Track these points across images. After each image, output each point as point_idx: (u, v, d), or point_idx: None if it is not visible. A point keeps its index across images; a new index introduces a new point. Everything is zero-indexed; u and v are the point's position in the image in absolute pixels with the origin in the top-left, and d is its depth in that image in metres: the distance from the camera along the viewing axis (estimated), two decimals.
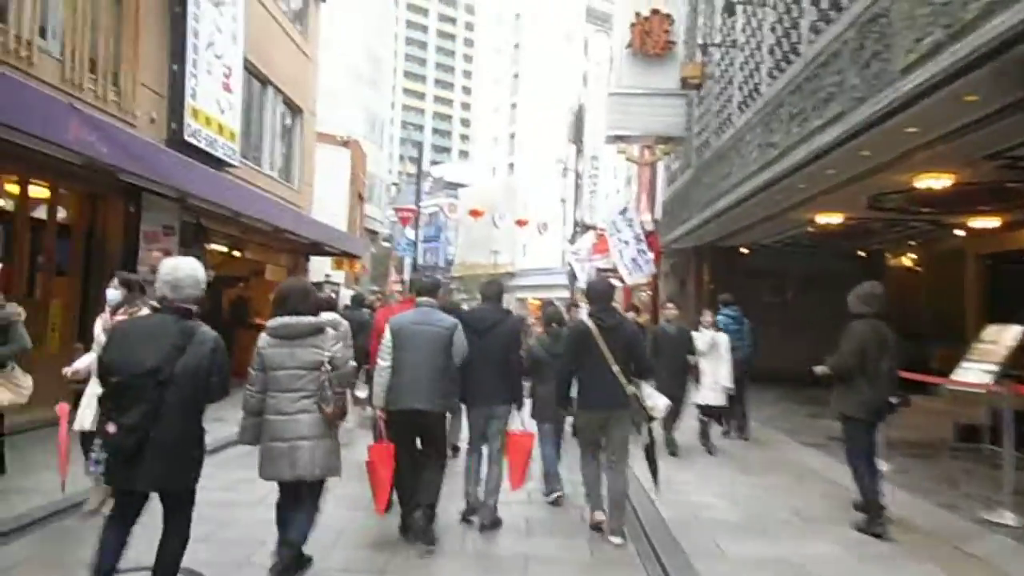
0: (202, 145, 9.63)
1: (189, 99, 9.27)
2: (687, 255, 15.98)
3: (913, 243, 13.82)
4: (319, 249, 13.99)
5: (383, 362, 4.34)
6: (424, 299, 4.59)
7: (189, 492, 3.12)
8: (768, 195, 8.78)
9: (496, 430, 4.83)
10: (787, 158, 7.39)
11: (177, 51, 9.17)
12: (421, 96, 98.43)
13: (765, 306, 15.69)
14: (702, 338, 7.97)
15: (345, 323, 6.07)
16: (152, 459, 2.87)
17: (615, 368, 4.48)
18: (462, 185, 61.47)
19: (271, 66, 12.91)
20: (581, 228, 23.99)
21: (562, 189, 24.69)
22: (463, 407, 5.01)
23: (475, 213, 21.83)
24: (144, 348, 2.92)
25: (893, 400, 5.00)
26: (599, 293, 4.88)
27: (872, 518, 4.83)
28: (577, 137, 22.56)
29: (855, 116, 5.80)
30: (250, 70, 12.16)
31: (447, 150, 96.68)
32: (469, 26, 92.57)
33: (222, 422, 5.37)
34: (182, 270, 3.09)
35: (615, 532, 4.57)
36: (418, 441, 4.51)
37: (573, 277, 23.14)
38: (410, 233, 22.72)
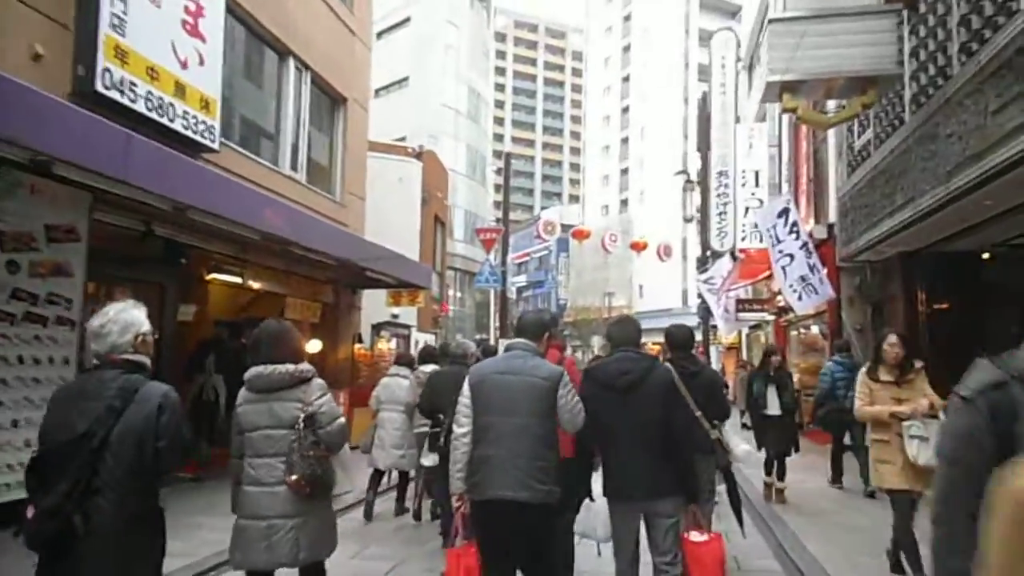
0: (138, 106, 6.30)
1: (108, 30, 5.98)
2: (884, 270, 11.04)
3: None
4: (358, 276, 10.41)
5: (459, 427, 3.22)
6: (519, 340, 3.43)
7: None
8: None
9: (663, 538, 3.35)
10: None
11: None
12: (531, 143, 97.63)
13: (1005, 343, 10.47)
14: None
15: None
16: (84, 552, 2.27)
17: (697, 414, 4.07)
18: (573, 226, 58.21)
19: (292, 33, 9.72)
20: (712, 255, 19.24)
21: (686, 208, 20.12)
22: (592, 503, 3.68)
23: (579, 234, 17.92)
24: (76, 410, 2.37)
25: None
26: (680, 340, 4.64)
27: None
28: (703, 142, 18.10)
29: None
30: (253, 28, 8.99)
31: (557, 195, 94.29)
32: (576, 71, 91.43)
33: (200, 528, 4.71)
34: (106, 314, 2.51)
35: None
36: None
37: (707, 311, 18.38)
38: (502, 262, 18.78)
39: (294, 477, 2.88)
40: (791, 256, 10.83)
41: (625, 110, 55.18)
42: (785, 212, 11.17)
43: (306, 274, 10.17)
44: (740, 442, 4.64)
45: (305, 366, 3.09)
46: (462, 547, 3.28)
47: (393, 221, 14.27)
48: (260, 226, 6.78)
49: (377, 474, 6.69)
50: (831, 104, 10.46)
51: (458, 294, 37.74)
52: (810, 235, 11.14)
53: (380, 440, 6.50)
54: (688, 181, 19.48)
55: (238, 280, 8.88)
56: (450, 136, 35.77)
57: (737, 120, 23.59)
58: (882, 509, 5.27)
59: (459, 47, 37.15)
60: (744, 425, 11.35)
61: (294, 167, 10.15)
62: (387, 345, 12.53)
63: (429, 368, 6.52)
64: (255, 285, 9.44)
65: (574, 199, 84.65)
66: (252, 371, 3.02)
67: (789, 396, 8.02)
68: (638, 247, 18.43)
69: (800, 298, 10.57)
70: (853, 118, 8.76)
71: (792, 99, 8.27)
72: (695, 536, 3.47)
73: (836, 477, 8.59)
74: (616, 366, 3.52)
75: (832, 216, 11.98)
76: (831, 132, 12.06)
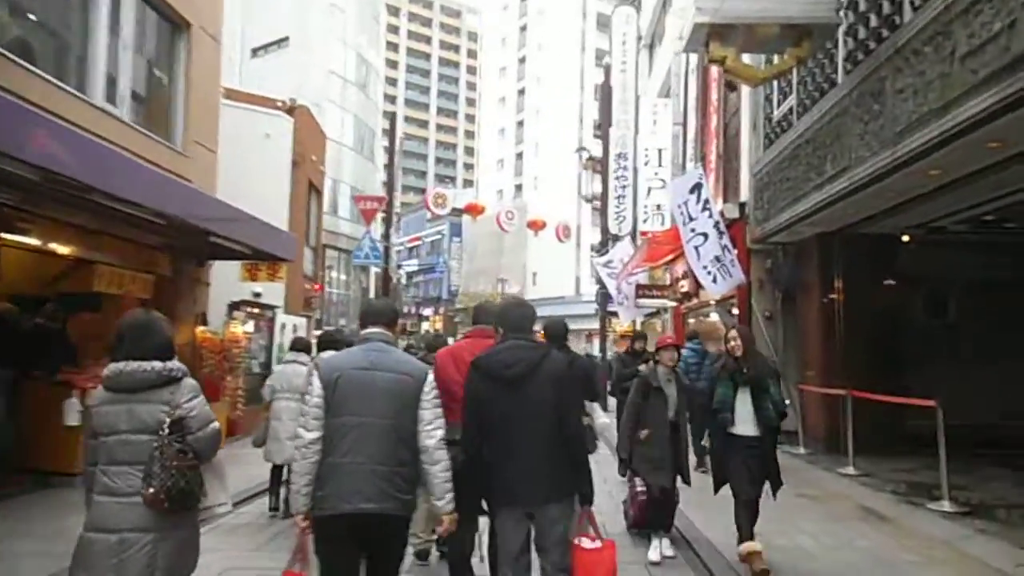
0: None
1: None
2: (798, 253, 10.35)
3: None
4: (203, 243, 8.42)
5: (307, 432, 2.82)
6: (376, 331, 3.05)
7: None
8: None
9: (556, 546, 3.06)
10: None
11: None
12: (424, 124, 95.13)
13: (922, 331, 10.09)
14: None
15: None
16: None
17: None
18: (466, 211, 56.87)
19: None
20: (612, 238, 18.37)
21: (585, 187, 19.12)
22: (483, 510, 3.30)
23: (473, 209, 16.46)
24: None
25: None
26: (557, 332, 4.97)
27: None
28: (605, 117, 17.10)
29: None
30: None
31: (451, 178, 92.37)
32: (472, 53, 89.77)
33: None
34: None
35: None
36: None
37: (605, 297, 17.48)
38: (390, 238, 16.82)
39: (152, 490, 2.56)
40: (704, 235, 9.88)
41: (521, 92, 54.28)
42: (697, 187, 10.22)
43: (130, 237, 8.07)
44: (601, 414, 5.29)
45: (175, 364, 2.75)
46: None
47: (257, 184, 12.17)
48: (28, 156, 4.80)
49: (277, 469, 6.11)
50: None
51: (343, 276, 35.33)
52: (721, 214, 10.26)
53: (275, 432, 5.90)
54: (589, 159, 18.46)
55: (26, 240, 6.73)
56: (336, 105, 33.09)
57: (637, 99, 22.89)
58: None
59: (345, 9, 34.38)
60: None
61: (111, 100, 7.93)
62: (242, 329, 10.54)
63: (328, 355, 5.47)
64: (60, 249, 7.30)
65: (468, 184, 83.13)
66: (111, 368, 2.70)
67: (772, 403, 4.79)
68: (536, 226, 17.25)
69: (715, 280, 9.65)
70: (786, 72, 7.79)
71: (720, 48, 7.14)
72: (587, 543, 3.16)
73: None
74: (506, 355, 3.14)
75: (744, 194, 11.19)
76: (745, 103, 11.24)
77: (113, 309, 8.68)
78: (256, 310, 11.65)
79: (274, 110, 12.99)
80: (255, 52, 34.23)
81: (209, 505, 2.82)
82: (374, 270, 30.62)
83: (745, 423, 4.65)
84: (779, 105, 9.67)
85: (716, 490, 4.87)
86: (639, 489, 5.40)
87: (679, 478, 5.22)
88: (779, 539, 5.29)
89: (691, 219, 9.99)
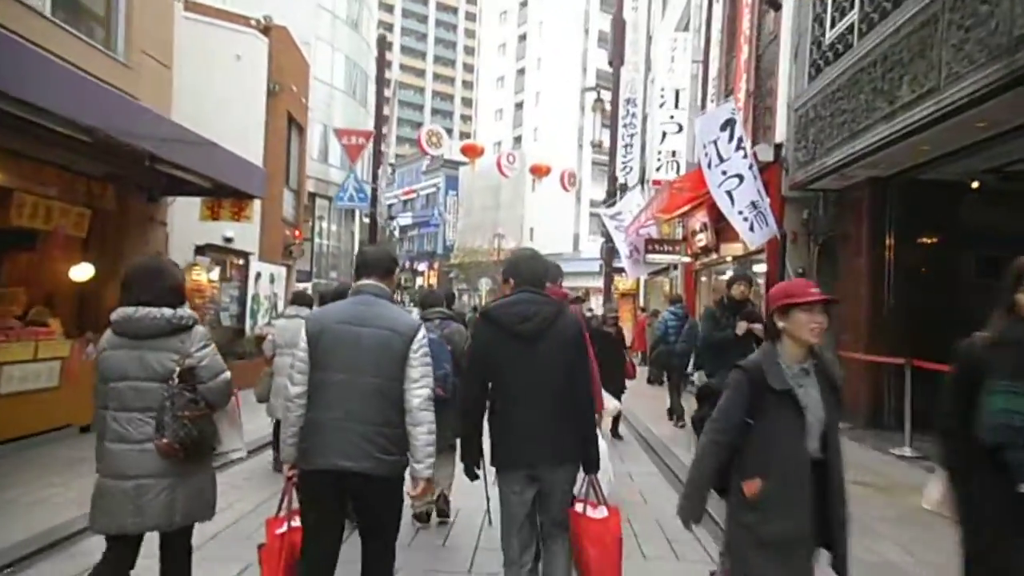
0: None
1: None
2: (840, 201, 9.06)
3: None
4: (155, 174, 7.07)
5: (293, 386, 2.80)
6: (368, 283, 2.92)
7: None
8: None
9: (558, 508, 2.99)
10: None
11: None
12: (420, 73, 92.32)
13: (984, 294, 8.84)
14: None
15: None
16: None
17: None
18: (463, 163, 55.75)
19: None
20: (620, 188, 16.99)
21: (592, 133, 17.70)
22: (487, 468, 3.14)
23: (471, 150, 15.02)
24: None
25: None
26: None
27: None
28: (617, 53, 15.53)
29: None
30: None
31: (448, 131, 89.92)
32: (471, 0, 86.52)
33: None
34: None
35: None
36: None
37: (611, 252, 16.18)
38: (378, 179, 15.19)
39: (165, 440, 2.58)
40: (738, 177, 8.59)
41: (522, 38, 52.01)
42: (730, 124, 8.91)
43: (62, 163, 6.73)
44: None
45: (186, 312, 2.71)
46: (285, 522, 2.89)
47: (226, 113, 10.73)
48: None
49: (280, 425, 5.80)
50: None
51: (333, 227, 33.88)
52: (754, 156, 8.96)
53: (277, 388, 5.66)
54: (597, 100, 16.92)
55: None
56: (326, 43, 31.04)
57: (649, 40, 21.20)
58: None
59: None
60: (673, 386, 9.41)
61: None
62: (206, 276, 9.25)
63: (318, 308, 5.32)
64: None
65: (465, 136, 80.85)
66: (119, 312, 2.67)
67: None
68: (540, 171, 15.81)
69: (751, 228, 8.41)
70: None
71: None
72: (591, 512, 3.00)
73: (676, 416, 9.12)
74: (520, 308, 2.95)
75: (780, 134, 9.83)
76: (786, 28, 9.80)
77: (50, 248, 7.40)
78: (226, 256, 10.32)
79: (246, 27, 11.43)
80: None
81: (223, 451, 2.87)
82: (366, 220, 29.23)
83: None
84: (834, 25, 8.24)
85: None
86: None
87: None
88: (858, 549, 4.15)
89: (722, 160, 8.69)
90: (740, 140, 8.70)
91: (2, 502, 4.85)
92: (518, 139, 52.23)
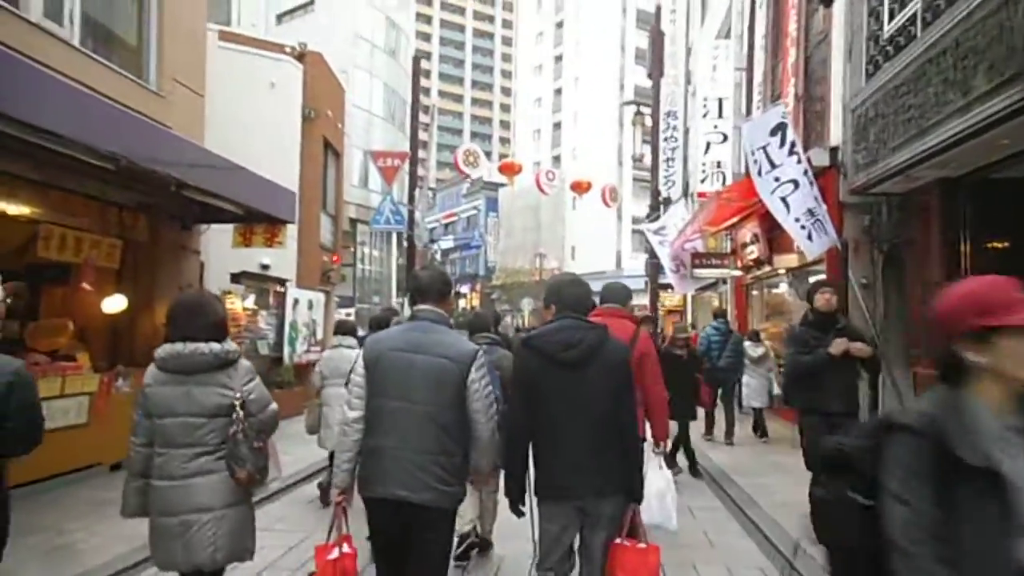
0: None
1: None
2: (905, 205, 8.41)
3: None
4: (187, 202, 6.91)
5: (350, 411, 2.80)
6: (424, 308, 2.91)
7: None
8: None
9: (601, 546, 2.89)
10: None
11: None
12: (459, 98, 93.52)
13: None
14: None
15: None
16: None
17: None
18: (503, 185, 56.05)
19: None
20: (664, 202, 16.47)
21: (633, 147, 17.26)
22: (532, 500, 2.97)
23: (509, 168, 14.71)
24: None
25: None
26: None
27: None
28: (656, 66, 15.11)
29: None
30: None
31: (487, 153, 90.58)
32: (507, 23, 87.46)
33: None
34: None
35: None
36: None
37: (656, 268, 15.61)
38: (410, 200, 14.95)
39: (245, 472, 2.65)
40: (794, 183, 8.05)
41: (559, 58, 51.98)
42: (780, 128, 8.38)
43: (92, 193, 6.62)
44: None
45: (231, 346, 2.76)
46: (335, 548, 2.82)
47: (261, 141, 10.68)
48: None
49: (332, 457, 5.92)
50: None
51: (375, 252, 34.08)
52: (808, 161, 8.41)
53: (326, 419, 5.81)
54: (637, 113, 16.48)
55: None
56: (364, 71, 31.48)
57: (688, 51, 20.75)
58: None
59: None
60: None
61: (56, 19, 6.38)
62: (240, 304, 9.09)
63: (378, 334, 5.06)
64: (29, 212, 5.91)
65: (504, 158, 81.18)
66: (166, 349, 2.70)
67: None
68: (581, 188, 15.43)
69: (810, 236, 7.85)
70: None
71: None
72: (631, 544, 2.90)
73: (708, 429, 9.32)
74: (563, 335, 2.88)
75: (835, 137, 9.23)
76: (837, 25, 9.24)
77: (82, 280, 7.29)
78: (262, 283, 10.17)
79: (281, 55, 11.40)
80: (280, 18, 32.75)
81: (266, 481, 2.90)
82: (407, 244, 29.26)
83: None
84: (892, 17, 7.68)
85: None
86: None
87: None
88: None
89: (774, 166, 8.15)
90: (793, 144, 8.16)
91: (21, 548, 4.61)
92: (556, 158, 52.05)
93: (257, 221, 8.11)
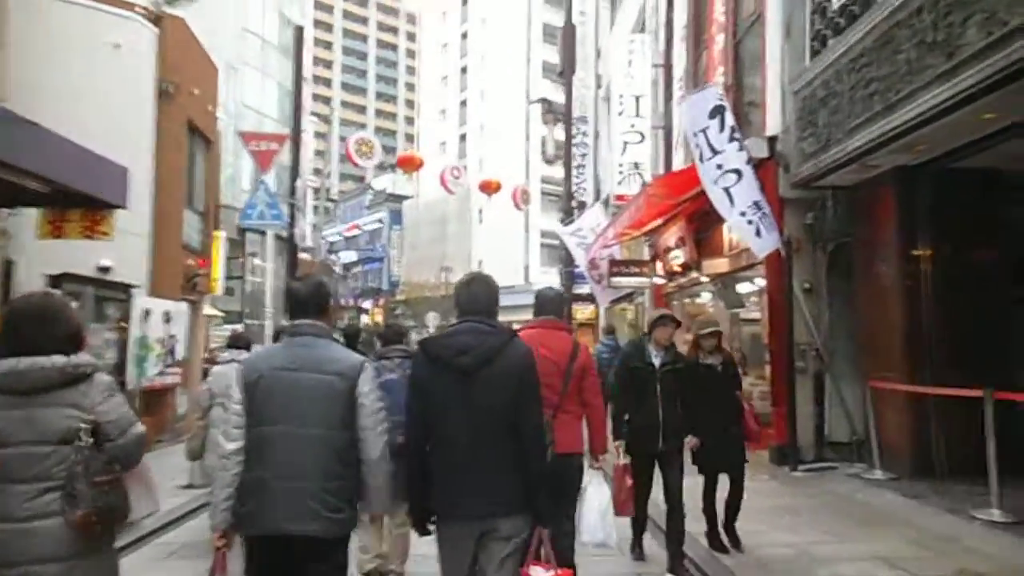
0: None
1: None
2: (851, 200, 7.60)
3: None
4: None
5: (228, 442, 2.54)
6: (304, 322, 2.67)
7: None
8: None
9: (498, 569, 2.61)
10: None
11: None
12: (362, 110, 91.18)
13: (1007, 308, 7.27)
14: None
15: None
16: None
17: None
18: (407, 197, 54.72)
19: None
20: (579, 206, 15.46)
21: (544, 149, 16.22)
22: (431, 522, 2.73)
23: (408, 162, 13.21)
24: None
25: None
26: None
27: None
28: (568, 62, 14.11)
29: None
30: None
31: (392, 166, 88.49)
32: (411, 36, 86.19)
33: None
34: None
35: None
36: None
37: (572, 277, 14.47)
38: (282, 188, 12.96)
39: (80, 513, 2.14)
40: (737, 172, 7.01)
41: (464, 70, 51.00)
42: (719, 111, 7.38)
43: None
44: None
45: (83, 358, 2.27)
46: None
47: (103, 115, 8.68)
48: None
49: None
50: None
51: (270, 265, 31.47)
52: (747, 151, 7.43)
53: (214, 443, 4.83)
54: (548, 111, 15.42)
55: None
56: (255, 69, 29.04)
57: (598, 55, 20.05)
58: None
59: None
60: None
61: None
62: None
63: (252, 352, 4.70)
64: None
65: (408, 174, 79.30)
66: (4, 364, 2.19)
67: None
68: (490, 187, 14.20)
69: (758, 232, 6.79)
70: None
71: None
72: (539, 571, 2.69)
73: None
74: (459, 340, 2.66)
75: (773, 126, 8.36)
76: (772, 8, 8.40)
77: None
78: (90, 289, 8.12)
79: (125, 10, 9.33)
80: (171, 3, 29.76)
81: (135, 519, 2.42)
82: (304, 255, 26.93)
83: None
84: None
85: None
86: None
87: None
88: None
89: (715, 152, 7.11)
90: (733, 130, 7.17)
91: None
92: (464, 169, 50.98)
93: (74, 204, 6.18)
